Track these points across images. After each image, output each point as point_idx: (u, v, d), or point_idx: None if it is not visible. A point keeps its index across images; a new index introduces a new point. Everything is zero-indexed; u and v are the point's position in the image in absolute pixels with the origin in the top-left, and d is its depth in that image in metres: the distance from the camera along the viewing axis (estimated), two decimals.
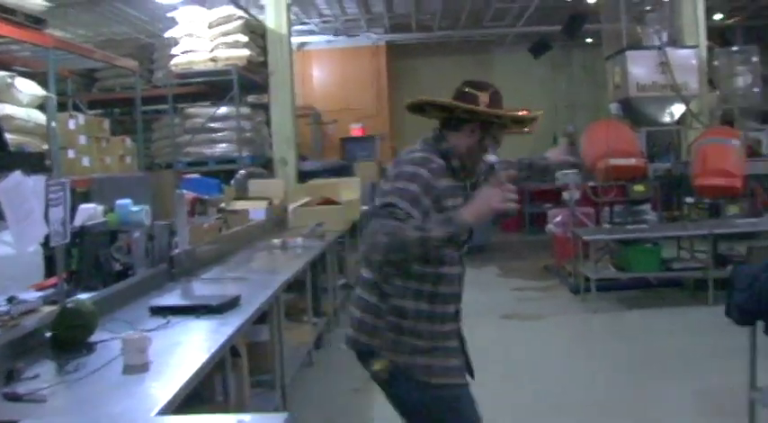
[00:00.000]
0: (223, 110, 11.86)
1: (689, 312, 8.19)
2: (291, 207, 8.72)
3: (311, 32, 17.00)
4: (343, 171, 12.89)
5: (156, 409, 2.48)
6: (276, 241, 7.00)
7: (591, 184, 9.81)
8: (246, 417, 2.30)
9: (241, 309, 4.08)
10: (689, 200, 10.46)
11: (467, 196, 2.89)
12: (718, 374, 5.95)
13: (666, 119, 13.66)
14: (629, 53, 13.34)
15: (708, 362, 6.37)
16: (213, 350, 3.23)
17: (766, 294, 4.19)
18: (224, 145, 11.89)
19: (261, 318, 4.74)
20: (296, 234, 7.45)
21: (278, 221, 8.59)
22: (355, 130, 16.91)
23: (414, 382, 2.97)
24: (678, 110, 13.57)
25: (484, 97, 3.07)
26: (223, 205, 8.06)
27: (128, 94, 11.63)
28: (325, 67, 17.77)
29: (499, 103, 3.08)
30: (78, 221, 4.91)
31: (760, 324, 4.43)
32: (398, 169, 2.85)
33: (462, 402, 3.05)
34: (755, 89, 15.95)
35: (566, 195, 9.83)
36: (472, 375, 3.18)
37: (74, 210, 5.44)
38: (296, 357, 6.03)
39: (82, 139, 8.66)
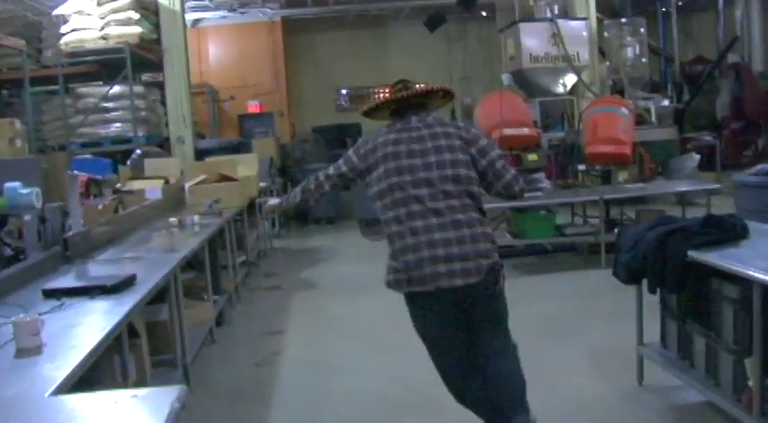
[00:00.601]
0: (116, 89, 11.61)
1: (583, 276, 8.47)
2: (188, 185, 8.62)
3: (205, 8, 16.71)
4: (240, 148, 12.82)
5: (50, 390, 2.46)
6: (173, 220, 6.91)
7: None
8: (141, 391, 2.30)
9: (137, 288, 4.03)
10: (581, 167, 10.75)
11: None
12: (610, 333, 6.17)
13: (559, 89, 14.02)
14: (521, 25, 13.60)
15: (601, 322, 6.62)
16: (108, 329, 3.21)
17: (650, 254, 4.37)
18: (118, 125, 11.64)
19: (160, 297, 4.71)
20: (193, 212, 7.37)
21: (175, 200, 8.48)
22: (252, 106, 16.78)
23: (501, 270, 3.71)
24: (570, 80, 13.93)
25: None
26: (118, 186, 7.93)
27: (16, 75, 11.26)
28: (220, 44, 17.54)
29: None
30: None
31: (645, 283, 4.63)
32: (478, 135, 3.82)
33: None
34: (643, 59, 16.50)
35: None
36: None
37: None
38: (197, 336, 6.00)
39: None
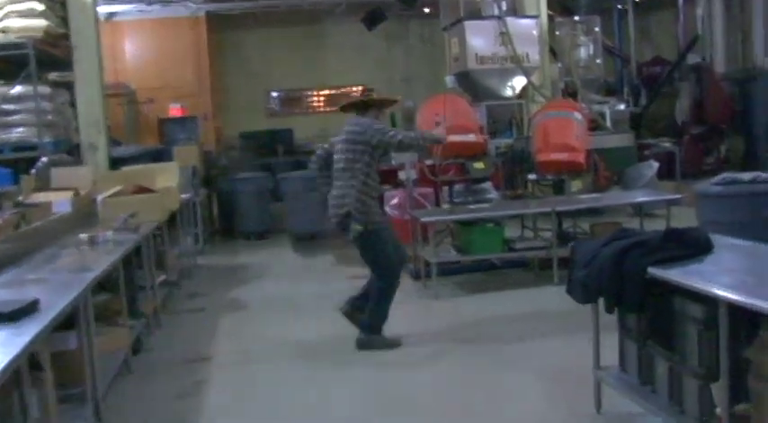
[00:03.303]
0: (18, 89, 11.30)
1: (534, 293, 8.48)
2: (101, 198, 8.46)
3: (121, 0, 16.47)
4: (160, 156, 12.71)
5: None
6: (83, 236, 6.77)
7: (428, 162, 9.94)
8: None
9: (40, 315, 3.91)
10: (532, 176, 10.81)
11: None
12: (565, 356, 6.18)
13: (507, 92, 14.10)
14: (467, 23, 13.66)
15: (555, 344, 6.62)
16: (4, 363, 3.08)
17: (606, 270, 4.39)
18: (21, 129, 11.33)
19: (68, 323, 4.59)
20: (106, 228, 7.26)
21: (86, 215, 8.30)
22: (174, 109, 16.54)
23: None
24: (519, 82, 14.02)
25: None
26: (21, 198, 7.74)
27: None
28: (138, 41, 17.26)
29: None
30: None
31: (602, 301, 4.64)
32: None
33: None
34: (598, 60, 16.70)
35: (402, 175, 9.96)
36: None
37: None
38: (111, 365, 5.86)
39: None
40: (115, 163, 11.74)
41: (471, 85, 13.89)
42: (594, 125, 13.11)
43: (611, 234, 4.82)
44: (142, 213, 7.93)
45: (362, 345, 6.77)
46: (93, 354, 5.02)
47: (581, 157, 9.85)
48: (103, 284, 6.24)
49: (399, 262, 7.02)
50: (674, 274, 4.03)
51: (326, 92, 20.48)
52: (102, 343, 5.66)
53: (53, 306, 4.09)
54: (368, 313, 6.84)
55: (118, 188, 8.58)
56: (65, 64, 12.11)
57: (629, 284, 4.27)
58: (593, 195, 9.95)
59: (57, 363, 4.66)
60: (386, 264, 6.81)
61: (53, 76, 12.95)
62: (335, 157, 6.86)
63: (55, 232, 7.19)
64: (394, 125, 18.93)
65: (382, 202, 9.70)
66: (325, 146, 7.39)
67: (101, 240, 6.74)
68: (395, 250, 6.91)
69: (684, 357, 4.18)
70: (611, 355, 4.97)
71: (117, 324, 6.48)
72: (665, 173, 13.87)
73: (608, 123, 14.25)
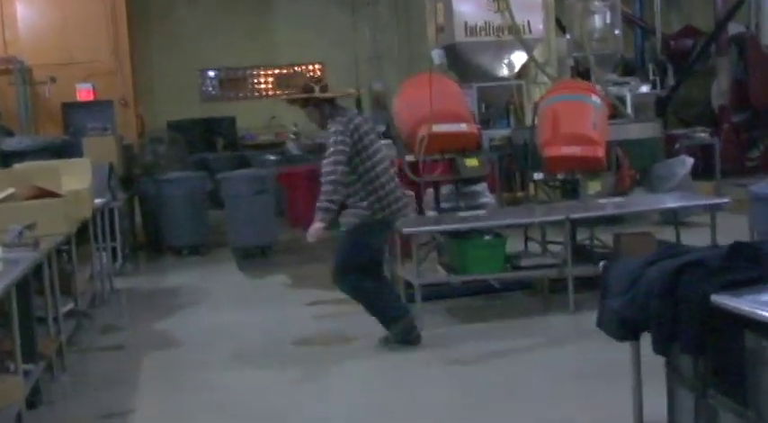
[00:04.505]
0: None
1: (545, 324, 8.40)
2: None
3: None
4: (66, 150, 12.67)
5: None
6: None
7: (409, 158, 9.82)
8: None
9: None
10: (537, 176, 10.70)
11: None
12: (592, 408, 6.02)
13: (504, 71, 14.02)
14: None
15: (576, 390, 6.47)
16: None
17: (655, 298, 4.25)
18: None
19: None
20: None
21: None
22: (83, 92, 16.32)
23: None
24: (519, 59, 13.94)
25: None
26: None
27: None
28: (34, 4, 17.02)
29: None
30: None
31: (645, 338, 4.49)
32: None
33: None
34: (616, 31, 16.65)
35: None
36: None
37: None
38: None
39: None
40: (6, 158, 11.58)
41: (459, 62, 13.87)
42: (613, 112, 13.02)
43: (657, 251, 4.64)
44: (42, 224, 7.78)
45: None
46: None
47: (599, 151, 9.79)
48: None
49: None
50: (746, 303, 3.85)
51: (276, 71, 20.36)
52: None
53: None
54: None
55: (10, 191, 8.41)
56: None
57: (686, 316, 4.10)
58: (616, 199, 9.79)
59: None
60: None
61: None
62: (379, 156, 7.60)
63: None
64: (361, 111, 18.95)
65: None
66: (341, 147, 7.34)
67: None
68: None
69: (761, 413, 3.98)
70: (655, 408, 4.81)
71: (7, 370, 6.32)
72: (700, 170, 13.82)
73: (628, 109, 14.19)
